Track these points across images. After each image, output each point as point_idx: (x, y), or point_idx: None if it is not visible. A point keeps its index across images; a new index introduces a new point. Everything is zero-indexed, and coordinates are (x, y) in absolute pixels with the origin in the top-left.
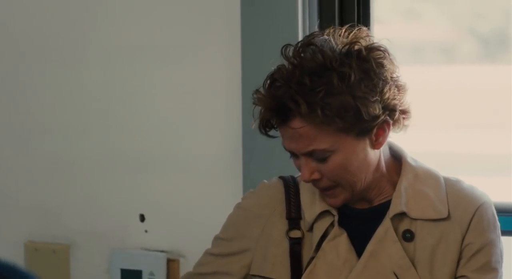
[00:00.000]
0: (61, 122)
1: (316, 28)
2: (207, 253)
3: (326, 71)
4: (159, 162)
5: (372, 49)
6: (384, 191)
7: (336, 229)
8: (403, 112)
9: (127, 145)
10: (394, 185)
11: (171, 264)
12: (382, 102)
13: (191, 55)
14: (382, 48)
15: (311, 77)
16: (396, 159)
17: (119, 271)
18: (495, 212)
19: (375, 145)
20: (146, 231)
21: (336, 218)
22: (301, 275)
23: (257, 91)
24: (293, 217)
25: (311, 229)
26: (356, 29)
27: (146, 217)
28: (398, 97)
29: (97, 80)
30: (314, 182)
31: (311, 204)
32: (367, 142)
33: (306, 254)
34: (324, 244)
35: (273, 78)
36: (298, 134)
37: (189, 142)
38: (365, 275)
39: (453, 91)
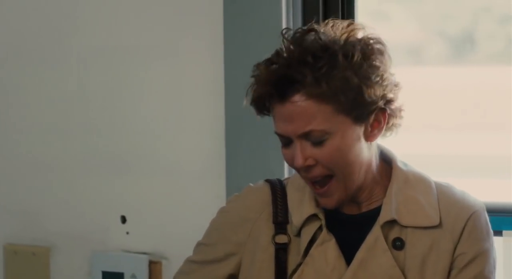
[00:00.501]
0: (41, 124)
1: (300, 24)
2: (189, 261)
3: (329, 50)
4: (141, 162)
5: (372, 38)
6: (375, 195)
7: (324, 234)
8: (399, 109)
9: (108, 146)
10: (384, 189)
11: (153, 266)
12: (382, 88)
13: (173, 55)
14: (382, 40)
15: (313, 56)
16: (387, 163)
17: (100, 273)
18: (488, 219)
19: (370, 136)
20: (127, 233)
21: (323, 222)
22: None
23: (258, 65)
24: (280, 221)
25: (298, 234)
26: (357, 23)
27: (127, 218)
28: (395, 92)
29: (78, 81)
30: (308, 170)
31: (299, 208)
32: (363, 131)
33: (293, 259)
34: (312, 249)
35: (274, 55)
36: (297, 112)
37: (172, 143)
38: None
39: (421, 92)
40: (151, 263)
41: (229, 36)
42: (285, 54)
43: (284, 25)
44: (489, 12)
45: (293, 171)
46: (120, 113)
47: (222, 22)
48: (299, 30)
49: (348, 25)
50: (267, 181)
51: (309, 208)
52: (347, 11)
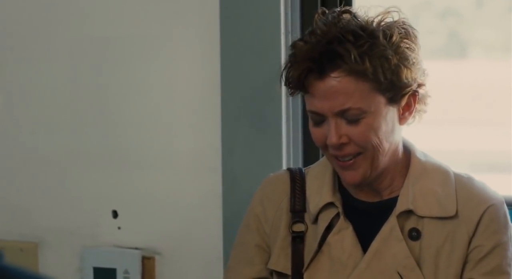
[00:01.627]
0: (29, 117)
1: (298, 19)
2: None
3: (368, 30)
4: (134, 156)
5: (406, 22)
6: (395, 184)
7: (341, 221)
8: (426, 96)
9: (100, 140)
10: (403, 179)
11: (146, 262)
12: (416, 71)
13: (169, 49)
14: (414, 27)
15: (354, 34)
16: (407, 153)
17: (92, 269)
18: (507, 212)
19: (401, 118)
20: (119, 228)
21: (341, 209)
22: (301, 269)
23: (295, 43)
24: (297, 209)
25: (315, 221)
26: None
27: (119, 213)
28: (424, 77)
29: (69, 74)
30: (340, 148)
31: (316, 195)
32: (396, 113)
33: (310, 247)
34: (329, 237)
35: (309, 34)
36: (336, 88)
37: (165, 136)
38: (368, 275)
39: None
40: (144, 259)
41: (226, 29)
42: (321, 32)
43: (282, 19)
44: (428, 7)
45: (288, 163)
46: (112, 107)
47: (219, 16)
48: (333, 11)
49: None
50: (288, 169)
51: (326, 196)
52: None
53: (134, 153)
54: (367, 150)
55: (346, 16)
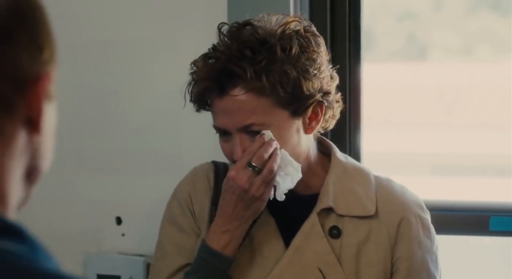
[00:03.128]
0: None
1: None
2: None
3: (267, 44)
4: (137, 161)
5: (309, 30)
6: (312, 184)
7: (264, 214)
8: (335, 101)
9: (102, 144)
10: (322, 180)
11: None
12: (319, 81)
13: (171, 51)
14: (317, 33)
15: (252, 49)
16: (326, 155)
17: (96, 276)
18: (427, 213)
19: (308, 128)
20: (123, 235)
21: None
22: None
23: (195, 62)
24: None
25: None
26: (292, 15)
27: (123, 219)
28: (331, 84)
29: (70, 77)
30: None
31: None
32: (301, 124)
33: None
34: (252, 230)
35: (212, 51)
36: (236, 106)
37: (169, 141)
38: (290, 270)
39: None
40: (149, 266)
41: None
42: (222, 49)
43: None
44: (387, 9)
45: None
46: (116, 111)
47: (227, 17)
48: (235, 24)
49: (284, 18)
50: (213, 162)
51: None
52: (354, 4)
53: (138, 158)
54: None
55: (245, 29)
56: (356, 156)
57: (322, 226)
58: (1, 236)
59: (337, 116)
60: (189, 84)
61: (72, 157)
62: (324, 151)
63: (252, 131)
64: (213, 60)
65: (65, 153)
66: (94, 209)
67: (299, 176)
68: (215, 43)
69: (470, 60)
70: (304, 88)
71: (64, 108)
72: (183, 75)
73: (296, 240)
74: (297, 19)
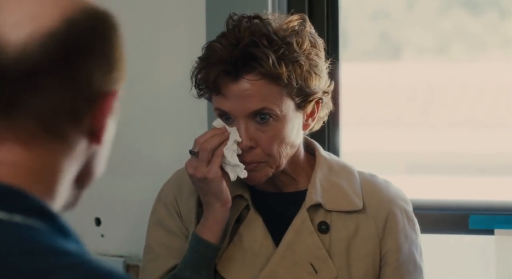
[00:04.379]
0: None
1: None
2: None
3: (281, 35)
4: (117, 162)
5: (313, 32)
6: (299, 180)
7: (251, 213)
8: (329, 104)
9: None
10: (308, 177)
11: (131, 270)
12: (323, 79)
13: (153, 50)
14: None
15: (268, 39)
16: (310, 153)
17: None
18: (410, 206)
19: (304, 125)
20: (102, 236)
21: (250, 201)
22: None
23: (210, 44)
24: None
25: None
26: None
27: (102, 220)
28: (329, 86)
29: None
30: (248, 151)
31: None
32: (301, 119)
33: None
34: (240, 228)
35: (221, 37)
36: (250, 91)
37: (148, 141)
38: (282, 266)
39: None
40: (129, 267)
41: (211, 34)
42: (237, 36)
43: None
44: (359, 9)
45: None
46: None
47: (205, 20)
48: (244, 16)
49: (287, 17)
50: None
51: (234, 189)
52: (332, 4)
53: (117, 158)
54: (271, 158)
55: (256, 21)
56: (335, 155)
57: (311, 221)
58: (34, 216)
59: (325, 119)
60: (197, 69)
61: None
62: (307, 149)
63: (259, 118)
64: (228, 45)
65: None
66: (73, 210)
67: (243, 175)
68: (225, 32)
69: (444, 59)
70: (312, 83)
71: None
72: (164, 77)
73: (288, 236)
74: (302, 18)
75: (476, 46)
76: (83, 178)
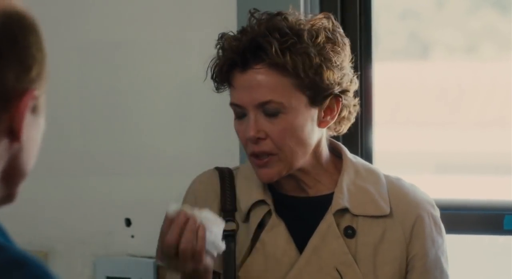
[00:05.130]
0: None
1: None
2: None
3: (294, 29)
4: (146, 162)
5: (337, 30)
6: (323, 183)
7: (273, 218)
8: (353, 104)
9: (111, 145)
10: (334, 180)
11: (161, 271)
12: (340, 74)
13: (180, 50)
14: (344, 35)
15: (280, 32)
16: (336, 156)
17: None
18: (437, 211)
19: (322, 122)
20: (132, 236)
21: (272, 207)
22: (232, 267)
23: (223, 35)
24: (228, 209)
25: (246, 219)
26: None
27: (132, 221)
28: (351, 85)
29: (79, 78)
30: (257, 143)
31: (247, 195)
32: (316, 115)
33: (242, 245)
34: (262, 234)
35: (239, 31)
36: (257, 81)
37: (180, 141)
38: (307, 271)
39: None
40: (159, 268)
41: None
42: (251, 30)
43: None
44: (388, 8)
45: None
46: (124, 112)
47: (236, 16)
48: (267, 12)
49: (313, 16)
50: (217, 168)
51: (257, 194)
52: (364, 6)
53: (147, 159)
54: (282, 152)
55: (276, 17)
56: (368, 156)
57: (337, 226)
58: None
59: (352, 120)
60: (213, 60)
61: (81, 159)
62: (333, 152)
63: (268, 110)
64: (240, 37)
65: (74, 155)
66: (103, 210)
67: (223, 247)
68: (243, 27)
69: (473, 59)
70: (325, 77)
71: (71, 109)
72: (193, 76)
73: (313, 241)
74: (327, 16)
75: (506, 46)
76: (11, 176)
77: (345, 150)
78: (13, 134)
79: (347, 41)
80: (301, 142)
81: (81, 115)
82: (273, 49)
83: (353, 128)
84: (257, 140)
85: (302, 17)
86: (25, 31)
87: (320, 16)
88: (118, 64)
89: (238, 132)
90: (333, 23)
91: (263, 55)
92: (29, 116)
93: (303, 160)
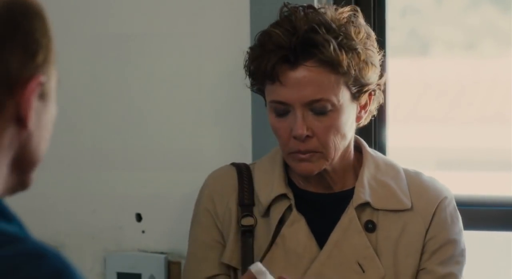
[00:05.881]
0: None
1: None
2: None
3: (337, 24)
4: (158, 157)
5: (366, 25)
6: (346, 178)
7: (294, 214)
8: (381, 98)
9: (122, 139)
10: (354, 175)
11: (172, 267)
12: (378, 70)
13: (195, 45)
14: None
15: (325, 27)
16: (356, 150)
17: (115, 274)
18: (453, 200)
19: (357, 117)
20: (143, 232)
21: (293, 202)
22: (251, 262)
23: (266, 31)
24: (246, 203)
25: (266, 214)
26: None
27: (143, 216)
28: (382, 79)
29: (90, 72)
30: (304, 141)
31: (266, 188)
32: (355, 110)
33: (260, 240)
34: (283, 229)
35: (275, 25)
36: (308, 78)
37: (192, 136)
38: (329, 265)
39: None
40: (170, 263)
41: (255, 27)
42: (290, 24)
43: None
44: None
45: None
46: (135, 106)
47: (249, 9)
48: (297, 6)
49: (337, 9)
50: (233, 164)
51: (278, 188)
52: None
53: (158, 153)
54: (327, 149)
55: (310, 11)
56: (382, 151)
57: (358, 220)
58: None
59: (374, 112)
60: (253, 57)
61: (92, 153)
62: (355, 147)
63: (316, 108)
64: (286, 32)
65: (84, 150)
66: (114, 206)
67: None
68: (279, 20)
69: (473, 55)
70: (367, 73)
71: (81, 104)
72: (205, 70)
73: (335, 235)
74: (354, 9)
75: (505, 42)
76: (23, 162)
77: (365, 144)
78: (21, 121)
79: (374, 34)
80: (345, 138)
81: (92, 109)
82: (331, 46)
83: (367, 124)
84: (305, 137)
85: (328, 10)
86: (30, 16)
87: (348, 9)
88: (130, 58)
89: (277, 129)
90: (362, 16)
91: (316, 51)
92: (36, 103)
93: (339, 155)
